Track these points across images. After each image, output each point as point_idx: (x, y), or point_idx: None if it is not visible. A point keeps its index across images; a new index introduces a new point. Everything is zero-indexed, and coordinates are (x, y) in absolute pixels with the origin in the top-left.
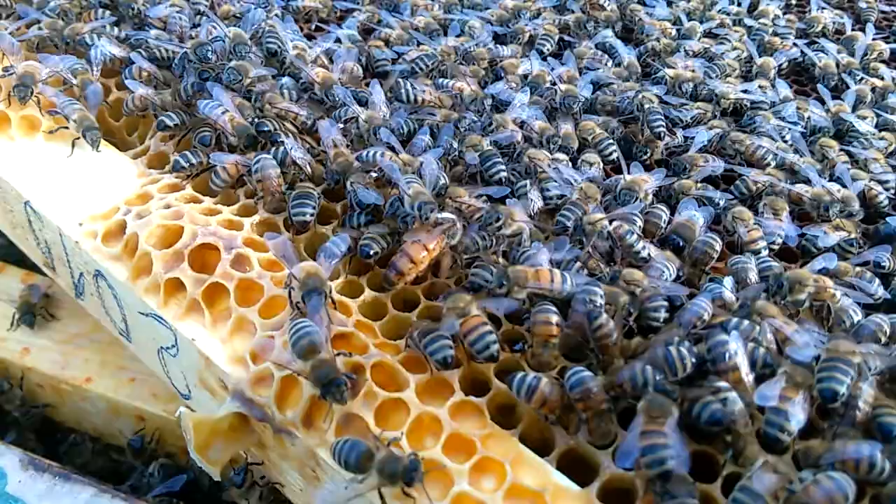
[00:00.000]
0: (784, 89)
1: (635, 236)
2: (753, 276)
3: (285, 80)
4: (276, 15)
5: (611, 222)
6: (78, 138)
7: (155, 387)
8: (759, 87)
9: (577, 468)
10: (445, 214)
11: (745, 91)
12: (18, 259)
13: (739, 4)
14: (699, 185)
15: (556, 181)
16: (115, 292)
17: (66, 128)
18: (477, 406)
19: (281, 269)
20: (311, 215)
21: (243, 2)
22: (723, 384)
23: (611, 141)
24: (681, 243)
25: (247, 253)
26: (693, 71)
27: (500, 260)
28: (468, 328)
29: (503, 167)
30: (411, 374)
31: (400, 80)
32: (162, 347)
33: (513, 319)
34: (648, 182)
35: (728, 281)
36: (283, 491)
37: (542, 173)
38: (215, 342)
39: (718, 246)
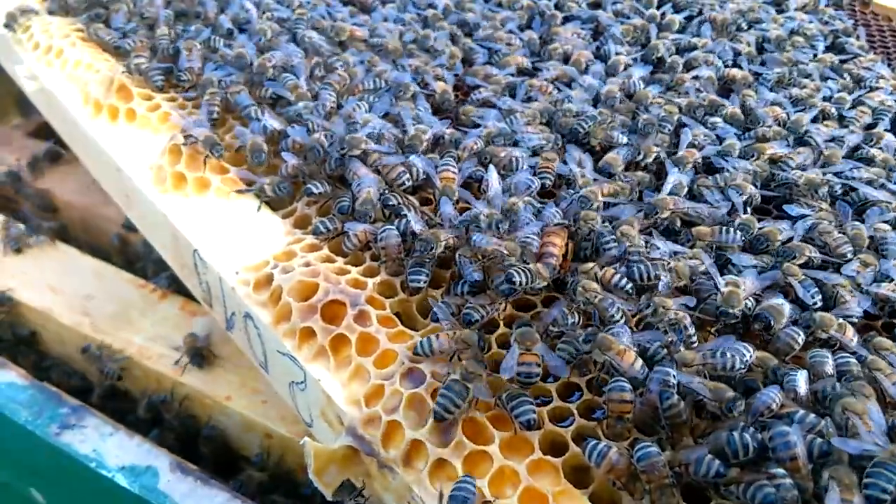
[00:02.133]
0: None
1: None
2: (830, 369)
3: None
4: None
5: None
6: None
7: (283, 410)
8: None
9: None
10: None
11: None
12: (179, 289)
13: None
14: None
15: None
16: (259, 332)
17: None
18: (553, 465)
19: (395, 326)
20: (425, 282)
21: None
22: (779, 471)
23: None
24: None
25: (368, 310)
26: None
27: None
28: (524, 360)
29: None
30: (497, 430)
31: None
32: (293, 382)
33: (593, 389)
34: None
35: (803, 374)
36: None
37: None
38: (336, 384)
39: (801, 339)
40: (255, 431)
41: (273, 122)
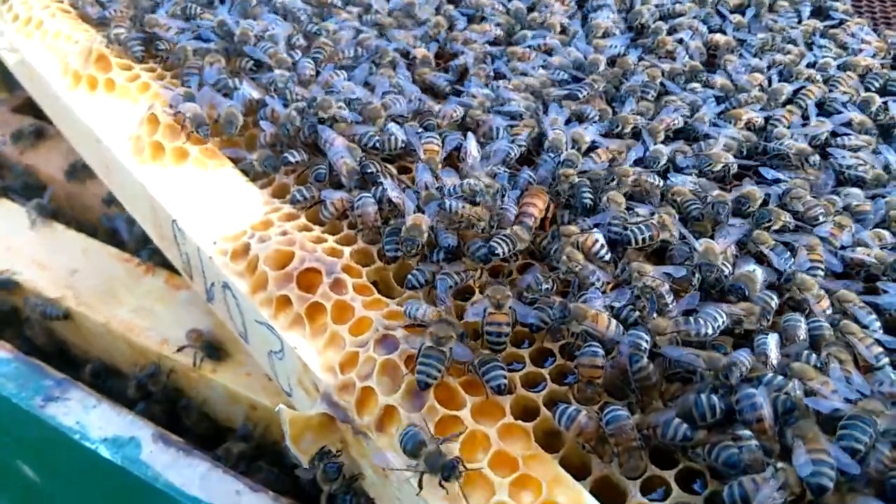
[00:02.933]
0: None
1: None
2: (803, 334)
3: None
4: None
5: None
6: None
7: (265, 382)
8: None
9: (610, 494)
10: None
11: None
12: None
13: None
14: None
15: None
16: (237, 301)
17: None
18: (524, 429)
19: (370, 294)
20: (399, 251)
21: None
22: (745, 432)
23: None
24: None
25: (343, 278)
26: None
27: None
28: (492, 320)
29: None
30: (469, 395)
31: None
32: (271, 351)
33: (565, 355)
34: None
35: (774, 338)
36: (362, 483)
37: None
38: (312, 352)
39: (775, 303)
40: (240, 403)
41: (251, 91)
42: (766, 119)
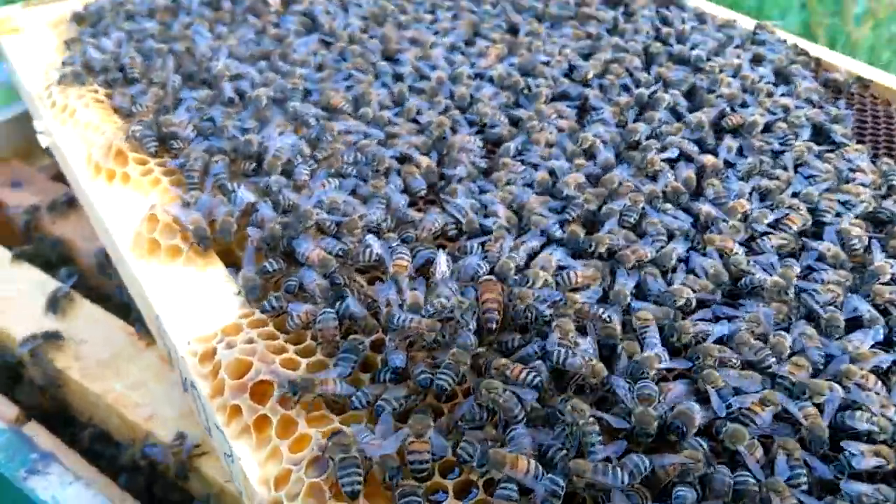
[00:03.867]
0: None
1: None
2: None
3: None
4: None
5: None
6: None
7: None
8: None
9: None
10: None
11: None
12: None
13: None
14: None
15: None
16: (201, 402)
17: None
18: None
19: (318, 409)
20: (353, 368)
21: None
22: None
23: None
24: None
25: None
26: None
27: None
28: (413, 449)
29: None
30: None
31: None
32: (225, 453)
33: (488, 490)
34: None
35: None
36: None
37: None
38: (254, 463)
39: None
40: (211, 488)
41: (248, 196)
42: (746, 245)
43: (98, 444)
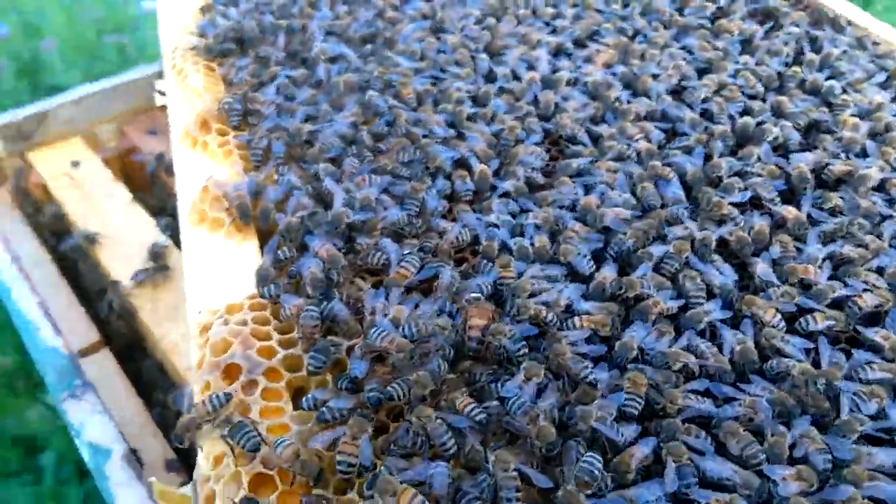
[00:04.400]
0: None
1: None
2: None
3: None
4: None
5: None
6: None
7: None
8: None
9: None
10: None
11: None
12: None
13: None
14: None
15: None
16: None
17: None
18: None
19: (279, 399)
20: (319, 368)
21: None
22: None
23: None
24: None
25: (258, 380)
26: None
27: None
28: (342, 450)
29: None
30: None
31: None
32: None
33: None
34: None
35: None
36: None
37: None
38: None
39: None
40: None
41: (295, 181)
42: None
43: (156, 376)
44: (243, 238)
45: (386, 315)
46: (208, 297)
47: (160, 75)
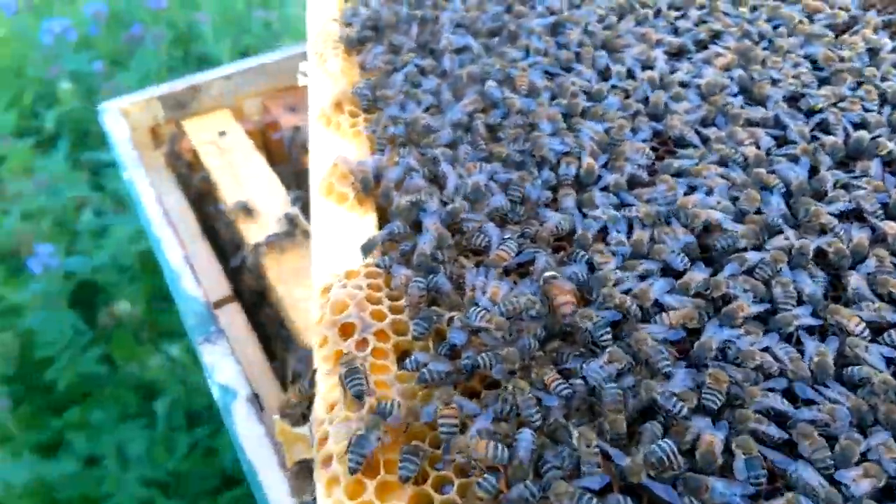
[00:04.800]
0: None
1: None
2: None
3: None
4: None
5: None
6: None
7: None
8: None
9: None
10: None
11: None
12: None
13: None
14: None
15: None
16: None
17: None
18: None
19: (385, 358)
20: (421, 334)
21: None
22: None
23: None
24: None
25: (369, 339)
26: None
27: None
28: (445, 414)
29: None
30: None
31: None
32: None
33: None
34: None
35: None
36: None
37: None
38: (323, 384)
39: None
40: None
41: (413, 163)
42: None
43: (277, 330)
44: (365, 211)
45: (484, 293)
46: (331, 263)
47: (303, 56)
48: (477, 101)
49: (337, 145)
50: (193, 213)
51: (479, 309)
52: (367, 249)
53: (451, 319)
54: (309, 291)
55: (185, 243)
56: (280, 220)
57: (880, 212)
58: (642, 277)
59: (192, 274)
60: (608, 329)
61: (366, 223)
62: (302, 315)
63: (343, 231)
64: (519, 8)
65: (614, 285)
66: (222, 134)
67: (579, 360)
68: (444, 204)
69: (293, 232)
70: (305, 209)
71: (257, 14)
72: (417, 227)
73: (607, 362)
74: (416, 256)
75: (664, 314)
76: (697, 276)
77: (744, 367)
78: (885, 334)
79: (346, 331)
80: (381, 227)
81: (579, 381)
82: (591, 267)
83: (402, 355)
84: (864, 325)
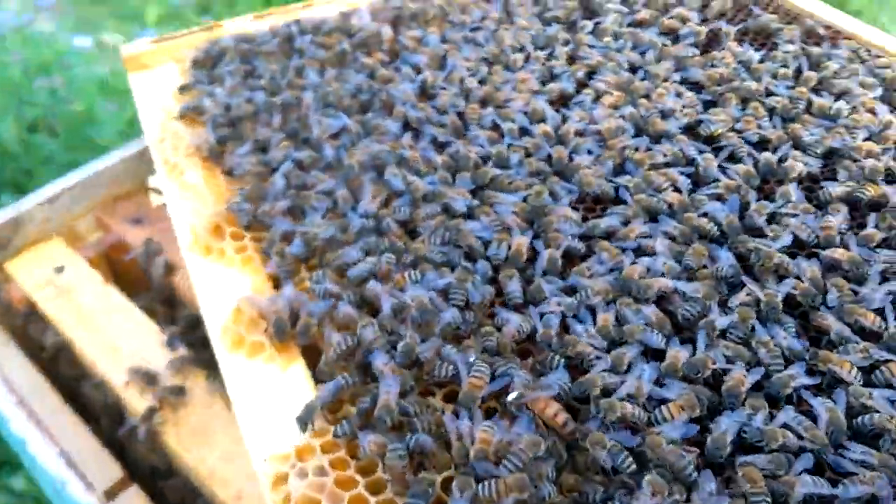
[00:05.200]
0: None
1: None
2: None
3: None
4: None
5: None
6: None
7: None
8: None
9: None
10: None
11: None
12: None
13: None
14: None
15: None
16: None
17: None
18: None
19: None
20: None
21: None
22: None
23: None
24: None
25: None
26: None
27: None
28: None
29: None
30: None
31: None
32: None
33: None
34: None
35: None
36: None
37: None
38: None
39: None
40: None
41: (332, 287)
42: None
43: None
44: (288, 360)
45: (473, 441)
46: (268, 438)
47: (138, 158)
48: (378, 192)
49: (226, 279)
50: (47, 380)
51: (488, 487)
52: (305, 419)
53: (446, 481)
54: (225, 453)
55: (55, 434)
56: (167, 370)
57: (814, 237)
58: (627, 368)
59: (75, 474)
60: (626, 453)
61: (293, 377)
62: (223, 485)
63: (268, 391)
64: (383, 72)
65: (603, 392)
66: (59, 270)
67: (606, 497)
68: (388, 333)
69: (182, 387)
70: (191, 345)
71: (39, 82)
72: (364, 370)
73: (651, 496)
74: (379, 413)
75: (664, 408)
76: (680, 353)
77: (767, 448)
78: (878, 371)
79: None
80: (313, 376)
81: None
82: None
83: None
84: (856, 370)
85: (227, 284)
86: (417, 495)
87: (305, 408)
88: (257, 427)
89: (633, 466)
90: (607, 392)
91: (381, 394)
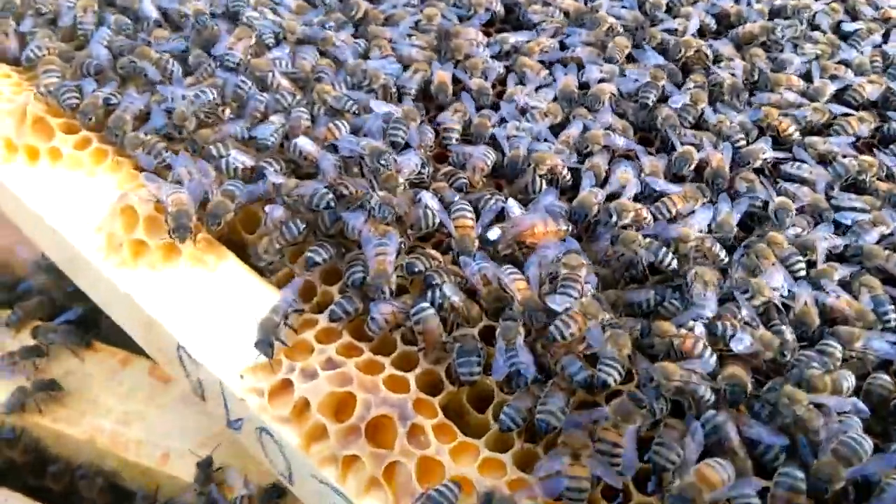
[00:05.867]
0: None
1: None
2: None
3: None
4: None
5: None
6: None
7: None
8: None
9: None
10: None
11: None
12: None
13: None
14: None
15: None
16: (282, 450)
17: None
18: None
19: (453, 437)
20: (478, 373)
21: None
22: None
23: None
24: None
25: (420, 423)
26: None
27: None
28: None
29: None
30: None
31: None
32: None
33: None
34: None
35: None
36: None
37: None
38: None
39: None
40: None
41: (243, 159)
42: None
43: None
44: (215, 256)
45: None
46: (232, 353)
47: None
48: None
49: (71, 183)
50: None
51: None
52: (262, 344)
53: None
54: (121, 415)
55: None
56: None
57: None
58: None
59: None
60: (666, 248)
61: (228, 273)
62: (136, 449)
63: (206, 302)
64: None
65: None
66: None
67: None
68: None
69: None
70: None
71: None
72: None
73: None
74: (375, 280)
75: (666, 199)
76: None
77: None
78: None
79: (376, 431)
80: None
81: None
82: None
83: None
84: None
85: (80, 189)
86: (468, 352)
87: (272, 312)
88: (209, 343)
89: (675, 263)
90: (613, 195)
91: (376, 256)
